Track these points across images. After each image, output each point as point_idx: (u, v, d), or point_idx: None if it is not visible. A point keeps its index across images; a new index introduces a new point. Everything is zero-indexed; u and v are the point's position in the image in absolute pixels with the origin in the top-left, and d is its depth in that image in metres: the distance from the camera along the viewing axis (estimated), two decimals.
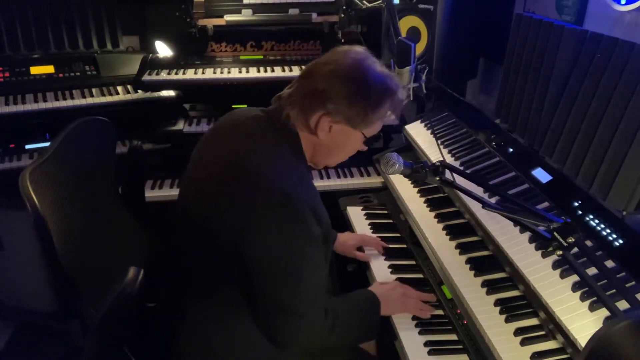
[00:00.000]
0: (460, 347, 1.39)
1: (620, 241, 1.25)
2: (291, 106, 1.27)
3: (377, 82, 1.24)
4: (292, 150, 1.27)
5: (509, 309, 1.32)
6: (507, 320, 1.29)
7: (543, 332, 1.25)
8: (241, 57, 2.52)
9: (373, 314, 1.43)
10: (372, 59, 1.28)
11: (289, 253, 1.18)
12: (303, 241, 1.19)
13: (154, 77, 2.37)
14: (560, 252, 1.05)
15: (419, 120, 2.19)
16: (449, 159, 1.84)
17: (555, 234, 1.06)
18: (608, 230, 1.29)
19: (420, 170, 1.31)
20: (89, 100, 2.36)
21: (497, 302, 1.35)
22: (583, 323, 1.12)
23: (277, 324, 1.24)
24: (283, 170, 1.21)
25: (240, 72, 2.38)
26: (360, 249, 1.77)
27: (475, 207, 1.56)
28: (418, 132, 2.11)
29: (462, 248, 1.56)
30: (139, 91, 2.44)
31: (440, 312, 1.51)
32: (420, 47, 2.23)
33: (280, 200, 1.14)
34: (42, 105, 2.29)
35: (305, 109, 1.25)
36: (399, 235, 1.87)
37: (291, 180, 1.20)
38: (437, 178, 1.30)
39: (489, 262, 1.49)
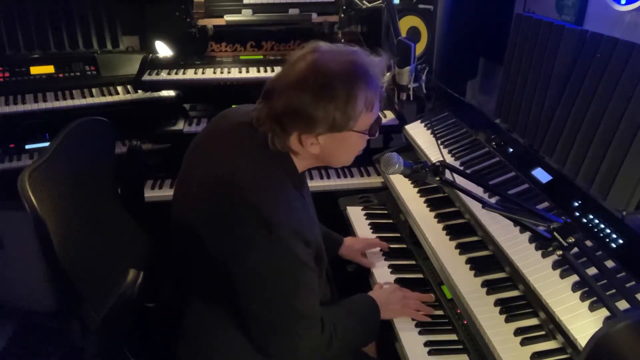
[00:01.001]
0: (460, 347, 1.39)
1: (620, 241, 1.25)
2: (265, 130, 1.18)
3: (337, 76, 1.11)
4: (280, 165, 1.21)
5: (509, 309, 1.32)
6: (507, 320, 1.29)
7: (543, 332, 1.25)
8: (241, 57, 2.53)
9: (373, 320, 1.42)
10: (324, 51, 1.15)
11: (277, 281, 1.15)
12: (291, 267, 1.15)
13: (154, 77, 2.37)
14: (560, 252, 1.04)
15: (419, 120, 2.19)
16: (449, 159, 1.84)
17: (555, 234, 1.05)
18: (608, 230, 1.29)
19: (420, 170, 1.30)
20: (89, 100, 2.36)
21: (497, 302, 1.35)
22: (583, 323, 1.12)
23: (272, 346, 1.23)
24: (270, 195, 1.15)
25: (240, 72, 2.38)
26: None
27: (475, 207, 1.56)
28: (418, 132, 2.11)
29: (462, 248, 1.56)
30: (139, 91, 2.44)
31: (440, 312, 1.51)
32: (420, 47, 2.23)
33: (266, 230, 1.11)
34: (42, 105, 2.29)
35: (279, 132, 1.16)
36: (399, 235, 1.87)
37: (278, 206, 1.14)
38: (437, 178, 1.30)
39: (489, 262, 1.49)
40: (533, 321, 1.29)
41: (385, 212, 2.02)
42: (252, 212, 1.12)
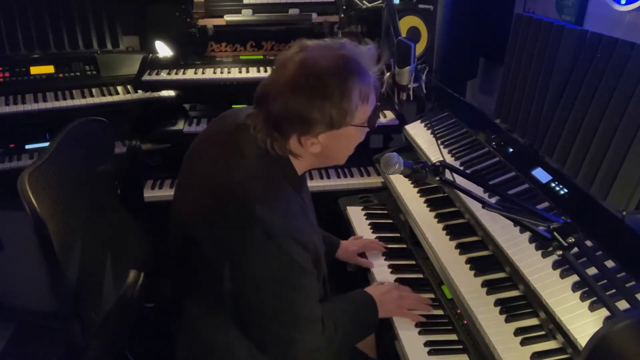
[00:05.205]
0: (460, 347, 1.39)
1: (620, 241, 1.25)
2: (262, 137, 1.16)
3: (329, 73, 1.09)
4: (280, 169, 1.20)
5: (509, 309, 1.32)
6: (507, 320, 1.29)
7: (543, 332, 1.25)
8: (241, 57, 2.53)
9: (371, 316, 1.42)
10: (312, 49, 1.12)
11: (276, 287, 1.15)
12: (290, 274, 1.15)
13: (154, 77, 2.37)
14: (560, 252, 1.04)
15: (419, 120, 2.19)
16: (449, 159, 1.83)
17: (555, 234, 1.05)
18: (608, 230, 1.29)
19: (420, 170, 1.30)
20: (89, 100, 2.36)
21: (497, 302, 1.35)
22: (583, 323, 1.12)
23: (273, 350, 1.24)
24: (269, 201, 1.14)
25: (240, 72, 2.38)
26: (362, 254, 1.76)
27: (475, 207, 1.56)
28: (418, 132, 2.11)
29: (462, 248, 1.56)
30: (139, 91, 2.44)
31: (440, 312, 1.51)
32: (420, 47, 2.23)
33: (265, 237, 1.10)
34: (42, 105, 2.29)
35: (277, 137, 1.15)
36: (399, 235, 1.87)
37: (276, 212, 1.13)
38: (437, 178, 1.30)
39: (489, 262, 1.49)
40: (533, 321, 1.29)
41: (385, 212, 2.02)
42: (250, 218, 1.11)
